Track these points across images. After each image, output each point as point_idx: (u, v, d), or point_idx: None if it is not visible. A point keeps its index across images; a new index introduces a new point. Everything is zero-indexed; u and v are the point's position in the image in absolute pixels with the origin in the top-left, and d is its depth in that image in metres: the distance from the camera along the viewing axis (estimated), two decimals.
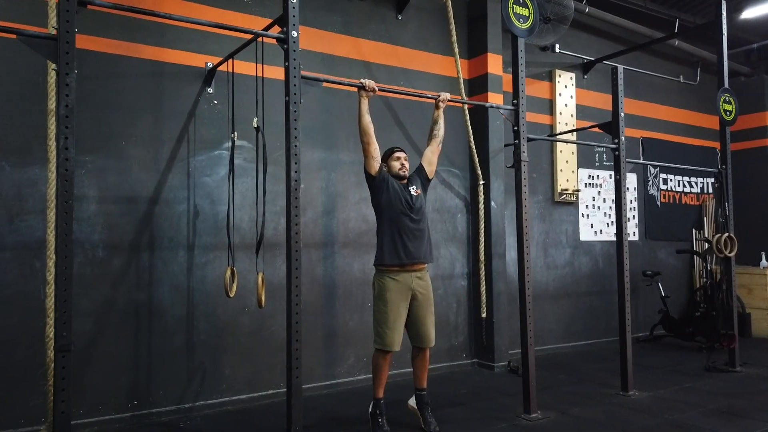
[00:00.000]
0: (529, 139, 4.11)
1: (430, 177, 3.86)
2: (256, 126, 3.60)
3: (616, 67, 4.68)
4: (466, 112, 5.19)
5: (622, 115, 4.65)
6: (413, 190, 3.69)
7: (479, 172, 5.41)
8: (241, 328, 4.37)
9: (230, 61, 4.06)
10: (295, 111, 3.14)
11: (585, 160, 6.66)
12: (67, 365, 2.52)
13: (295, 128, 3.13)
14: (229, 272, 3.83)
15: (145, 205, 4.06)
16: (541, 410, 4.05)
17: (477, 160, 5.36)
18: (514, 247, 5.87)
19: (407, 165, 3.78)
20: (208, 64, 4.30)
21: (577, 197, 6.54)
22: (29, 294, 3.66)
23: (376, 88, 3.53)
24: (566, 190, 6.39)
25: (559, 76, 6.45)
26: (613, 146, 4.63)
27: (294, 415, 3.03)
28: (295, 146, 3.13)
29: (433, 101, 3.84)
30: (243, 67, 4.28)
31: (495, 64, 5.55)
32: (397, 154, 3.77)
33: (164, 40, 4.17)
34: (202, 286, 4.23)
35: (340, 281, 4.84)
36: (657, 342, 6.83)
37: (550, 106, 6.44)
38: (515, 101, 4.04)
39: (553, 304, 6.30)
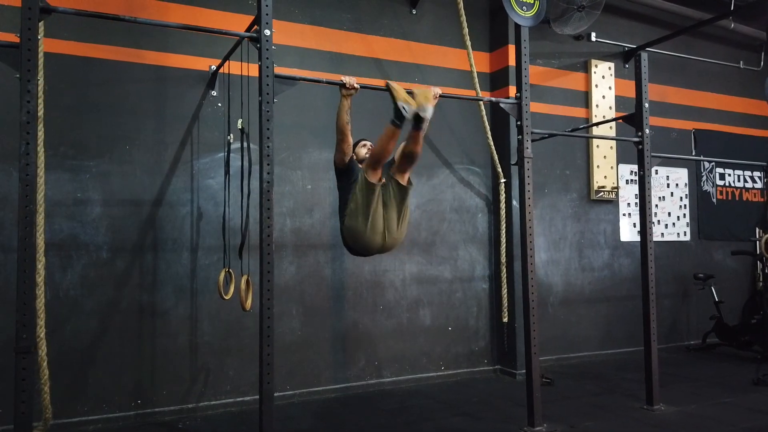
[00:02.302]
0: (537, 137, 3.85)
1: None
2: (240, 128, 3.58)
3: (639, 54, 4.32)
4: (482, 107, 4.96)
5: (647, 105, 4.30)
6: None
7: (500, 170, 5.16)
8: (246, 330, 4.37)
9: (228, 63, 4.06)
10: (268, 111, 3.07)
11: (626, 155, 6.22)
12: (28, 367, 2.56)
13: (268, 128, 3.06)
14: (223, 274, 3.83)
15: (149, 208, 4.14)
16: (549, 423, 3.80)
17: (497, 157, 5.12)
18: (544, 248, 5.63)
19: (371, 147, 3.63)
20: (212, 67, 4.33)
21: (616, 195, 6.13)
22: None
23: (357, 86, 3.40)
24: (603, 187, 6.00)
25: (596, 66, 6.07)
26: (636, 140, 4.28)
27: (265, 422, 2.97)
28: (268, 147, 3.06)
29: (435, 97, 3.64)
30: (243, 68, 4.27)
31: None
32: (364, 142, 3.72)
33: (168, 45, 4.23)
34: (205, 287, 4.26)
35: (350, 283, 4.75)
36: (709, 351, 6.29)
37: (585, 99, 6.07)
38: (518, 94, 3.80)
39: (589, 308, 5.94)
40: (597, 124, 4.91)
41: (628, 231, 6.23)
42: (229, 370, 4.30)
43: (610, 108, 6.10)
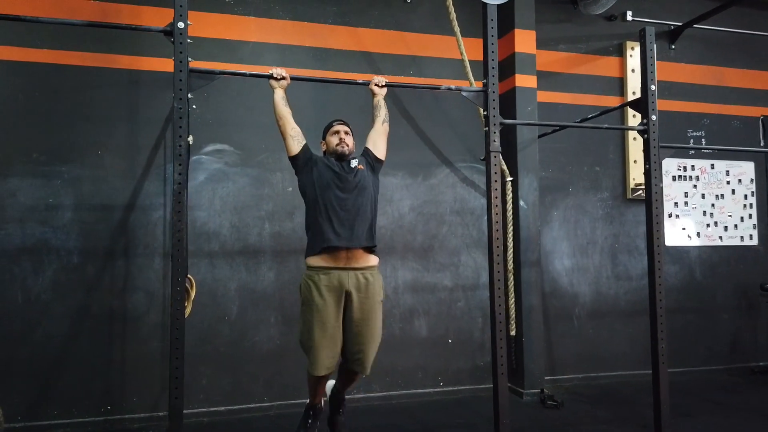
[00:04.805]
0: (549, 130, 3.40)
1: (380, 157, 3.30)
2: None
3: (644, 29, 3.72)
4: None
5: (653, 88, 3.69)
6: (354, 163, 3.17)
7: (505, 167, 4.68)
8: (221, 338, 4.23)
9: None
10: (181, 108, 2.91)
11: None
12: None
13: (181, 126, 2.90)
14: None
15: (121, 213, 4.11)
16: None
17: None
18: (568, 253, 5.08)
19: (349, 141, 3.26)
20: None
21: (660, 193, 5.39)
22: (8, 298, 3.88)
23: (288, 76, 3.14)
24: (641, 185, 5.29)
25: (632, 48, 5.38)
26: (641, 128, 3.68)
27: None
28: (180, 146, 2.89)
29: (379, 86, 3.31)
30: (220, 68, 4.15)
31: (525, 41, 4.77)
32: (336, 127, 3.27)
33: (141, 48, 4.19)
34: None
35: None
36: None
37: (620, 86, 5.41)
38: (485, 81, 3.37)
39: (625, 322, 5.26)
40: (606, 111, 4.29)
41: (676, 234, 5.46)
42: (202, 378, 4.18)
43: None
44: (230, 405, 4.21)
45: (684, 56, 5.57)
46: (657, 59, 5.40)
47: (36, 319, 3.92)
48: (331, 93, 4.52)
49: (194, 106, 4.28)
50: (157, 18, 4.13)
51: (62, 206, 4.01)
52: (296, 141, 3.17)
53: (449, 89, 3.38)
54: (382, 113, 3.29)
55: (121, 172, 4.13)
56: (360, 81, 3.34)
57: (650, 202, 3.65)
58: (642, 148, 5.29)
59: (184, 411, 4.05)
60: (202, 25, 4.31)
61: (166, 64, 4.24)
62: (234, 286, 4.29)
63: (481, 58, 4.74)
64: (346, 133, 3.26)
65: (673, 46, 5.56)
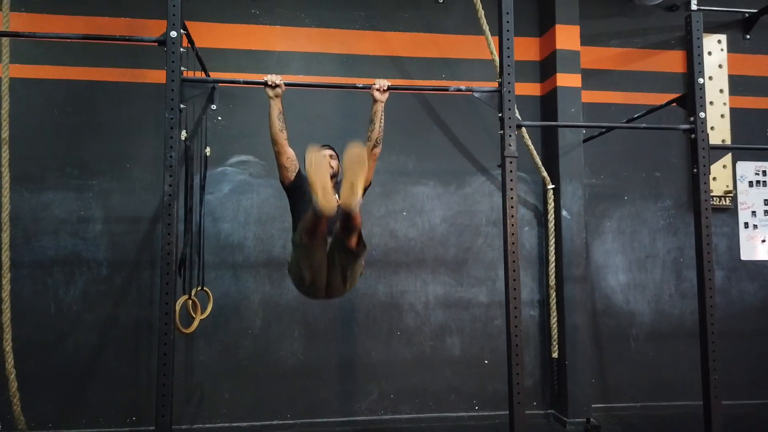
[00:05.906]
0: (596, 133, 3.09)
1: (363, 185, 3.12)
2: (184, 139, 3.38)
3: (689, 15, 3.28)
4: None
5: (701, 81, 3.24)
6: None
7: (545, 174, 4.32)
8: (244, 351, 4.16)
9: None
10: (172, 118, 2.84)
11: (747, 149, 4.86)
12: None
13: (171, 137, 2.83)
14: (183, 301, 3.53)
15: (148, 225, 4.16)
16: None
17: (538, 159, 4.28)
18: (623, 268, 4.66)
19: (334, 164, 3.19)
20: None
21: (733, 201, 4.81)
22: (41, 308, 4.01)
23: (282, 84, 3.01)
24: (711, 191, 4.72)
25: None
26: (687, 127, 3.23)
27: None
28: (171, 156, 2.82)
29: (381, 91, 3.10)
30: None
31: (567, 37, 4.40)
32: (324, 152, 3.06)
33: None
34: (202, 304, 4.14)
35: (361, 305, 4.30)
36: None
37: (683, 82, 4.87)
38: (500, 80, 3.08)
39: (691, 344, 4.67)
40: (653, 110, 3.81)
41: (753, 247, 4.83)
42: (225, 392, 4.12)
43: (721, 91, 4.83)
44: (252, 421, 4.12)
45: (761, 47, 4.95)
46: (728, 51, 4.90)
47: (67, 330, 4.02)
48: (358, 100, 4.36)
49: (219, 118, 4.28)
50: None
51: (93, 218, 4.11)
52: (290, 171, 3.12)
53: (459, 90, 3.11)
54: (375, 133, 3.07)
55: (148, 184, 4.18)
56: (360, 85, 3.14)
57: (699, 211, 3.20)
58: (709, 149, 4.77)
59: (207, 425, 4.05)
60: (227, 36, 4.32)
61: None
62: (258, 299, 4.22)
63: (522, 57, 4.49)
64: (332, 156, 3.20)
65: (748, 36, 4.95)
